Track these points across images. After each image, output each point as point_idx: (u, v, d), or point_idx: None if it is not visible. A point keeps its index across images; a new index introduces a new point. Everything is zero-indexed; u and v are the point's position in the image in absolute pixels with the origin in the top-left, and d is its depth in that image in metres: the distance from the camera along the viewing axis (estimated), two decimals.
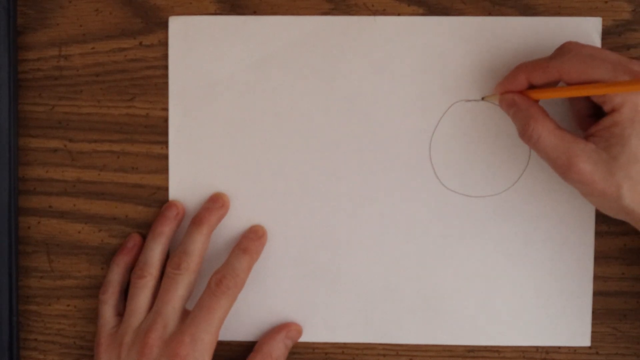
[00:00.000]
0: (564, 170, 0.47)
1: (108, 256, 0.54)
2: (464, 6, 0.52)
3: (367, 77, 0.52)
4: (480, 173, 0.53)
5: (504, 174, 0.53)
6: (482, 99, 0.52)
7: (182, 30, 0.53)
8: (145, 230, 0.53)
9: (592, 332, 0.53)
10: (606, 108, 0.46)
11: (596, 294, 0.53)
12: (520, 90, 0.49)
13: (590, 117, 0.49)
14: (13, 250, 0.52)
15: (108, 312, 0.52)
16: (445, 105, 0.52)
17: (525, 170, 0.53)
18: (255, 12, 0.53)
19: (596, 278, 0.53)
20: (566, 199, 0.53)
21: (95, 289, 0.54)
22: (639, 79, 0.44)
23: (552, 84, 0.48)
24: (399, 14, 0.52)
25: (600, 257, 0.53)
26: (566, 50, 0.47)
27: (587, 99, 0.49)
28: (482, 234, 0.53)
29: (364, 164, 0.53)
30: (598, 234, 0.53)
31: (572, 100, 0.51)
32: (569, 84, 0.47)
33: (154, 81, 0.53)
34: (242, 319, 0.53)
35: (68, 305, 0.54)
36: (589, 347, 0.53)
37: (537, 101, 0.49)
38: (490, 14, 0.52)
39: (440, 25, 0.52)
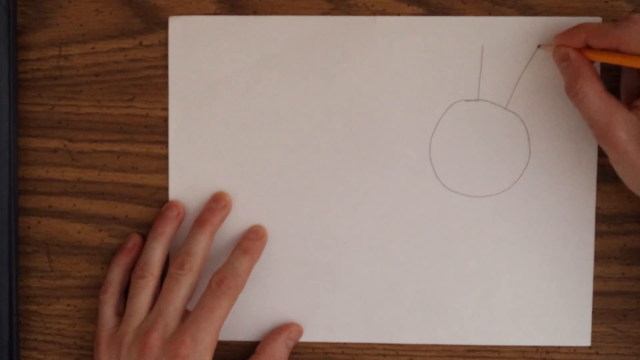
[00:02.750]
0: (600, 133, 0.47)
1: (108, 256, 0.54)
2: (464, 6, 0.52)
3: (367, 77, 0.52)
4: (480, 173, 0.53)
5: (504, 174, 0.53)
6: (538, 46, 0.51)
7: (182, 30, 0.52)
8: (145, 230, 0.53)
9: (592, 332, 0.53)
10: None
11: (596, 294, 0.53)
12: (577, 48, 0.49)
13: (638, 92, 0.49)
14: (13, 250, 0.52)
15: (108, 312, 0.52)
16: (445, 105, 0.52)
17: (525, 170, 0.53)
18: (255, 12, 0.53)
19: (596, 278, 0.53)
20: (566, 199, 0.53)
21: (95, 289, 0.54)
22: None
23: (609, 50, 0.48)
24: (399, 14, 0.52)
25: (600, 257, 0.53)
26: (632, 21, 0.47)
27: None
28: (482, 234, 0.53)
29: (364, 164, 0.53)
30: (598, 234, 0.53)
31: (624, 72, 0.51)
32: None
33: (154, 81, 0.53)
34: (242, 319, 0.53)
35: (68, 305, 0.54)
36: (589, 347, 0.53)
37: (591, 62, 0.48)
38: (490, 14, 0.52)
39: (440, 25, 0.52)
